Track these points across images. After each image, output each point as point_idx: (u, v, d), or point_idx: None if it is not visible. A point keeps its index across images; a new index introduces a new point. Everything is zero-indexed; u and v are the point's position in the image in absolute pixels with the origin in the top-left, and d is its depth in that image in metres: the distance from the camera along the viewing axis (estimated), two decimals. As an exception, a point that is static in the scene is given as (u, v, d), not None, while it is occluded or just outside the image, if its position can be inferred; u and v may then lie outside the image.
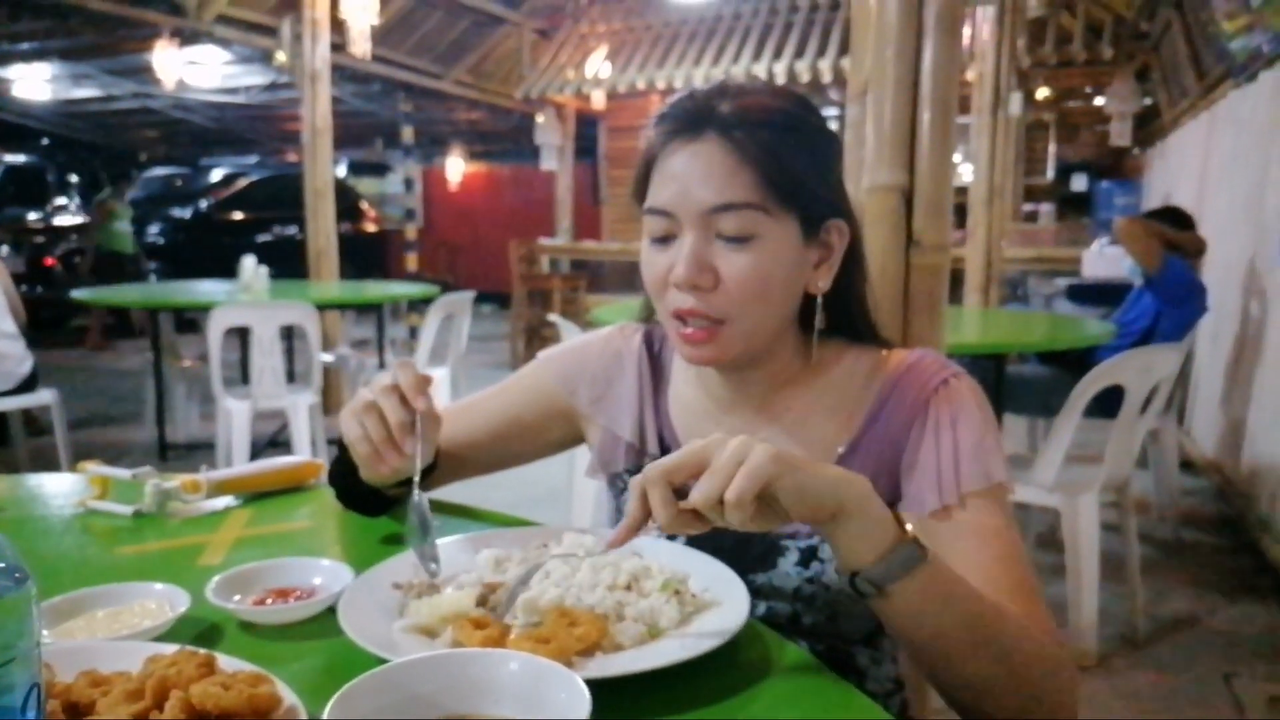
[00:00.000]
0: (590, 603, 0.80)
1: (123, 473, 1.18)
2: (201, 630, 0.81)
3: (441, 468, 1.16)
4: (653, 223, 0.92)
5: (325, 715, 0.57)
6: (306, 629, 0.81)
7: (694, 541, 0.98)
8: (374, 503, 1.08)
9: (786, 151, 0.89)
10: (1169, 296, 3.48)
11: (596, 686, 0.60)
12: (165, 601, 0.82)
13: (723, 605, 0.81)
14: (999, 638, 0.78)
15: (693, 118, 0.90)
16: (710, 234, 0.89)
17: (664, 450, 1.05)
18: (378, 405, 0.93)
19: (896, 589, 0.73)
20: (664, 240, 0.92)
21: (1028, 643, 0.80)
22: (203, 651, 0.66)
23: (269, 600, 0.84)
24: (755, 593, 0.94)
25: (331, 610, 0.79)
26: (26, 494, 1.22)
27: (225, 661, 0.67)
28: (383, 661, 0.66)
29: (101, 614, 0.81)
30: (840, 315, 0.99)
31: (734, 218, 0.88)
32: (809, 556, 0.95)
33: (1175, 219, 3.74)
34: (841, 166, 0.98)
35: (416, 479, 0.93)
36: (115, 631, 0.77)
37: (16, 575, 0.47)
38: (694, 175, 0.88)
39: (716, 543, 0.93)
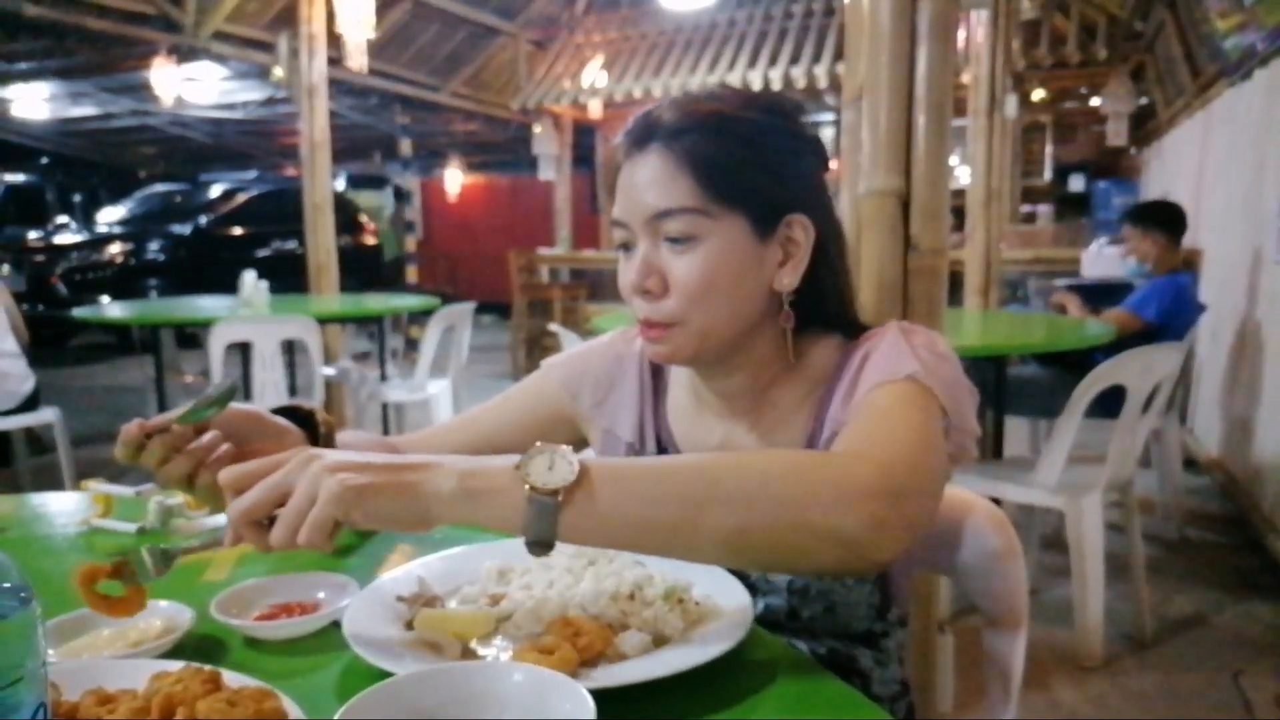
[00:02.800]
0: (594, 613, 0.80)
1: (126, 490, 1.18)
2: (206, 647, 0.81)
3: None
4: (615, 234, 0.97)
5: (331, 730, 0.57)
6: (312, 644, 0.81)
7: None
8: None
9: (724, 153, 0.91)
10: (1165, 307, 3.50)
11: (601, 696, 0.60)
12: (170, 619, 0.82)
13: (725, 613, 0.81)
14: (722, 490, 0.73)
15: (642, 132, 0.94)
16: (658, 241, 0.92)
17: (661, 453, 1.06)
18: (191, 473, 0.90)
19: (566, 531, 0.71)
20: (627, 250, 0.96)
21: (803, 475, 0.74)
22: (208, 668, 0.66)
23: (274, 615, 0.84)
24: (750, 589, 0.94)
25: (336, 625, 0.79)
26: (30, 513, 1.22)
27: (230, 678, 0.67)
28: (388, 675, 0.66)
29: (106, 632, 0.81)
30: (817, 311, 0.99)
31: (674, 223, 0.91)
32: None
33: (1168, 215, 3.74)
34: (809, 163, 0.96)
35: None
36: (120, 649, 0.78)
37: (21, 595, 0.48)
38: (639, 185, 0.93)
39: None
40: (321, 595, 0.87)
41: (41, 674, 0.49)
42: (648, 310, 0.93)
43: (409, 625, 0.81)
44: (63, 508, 1.23)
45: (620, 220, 0.95)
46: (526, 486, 0.71)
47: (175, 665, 0.68)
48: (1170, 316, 3.48)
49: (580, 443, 1.16)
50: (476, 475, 0.72)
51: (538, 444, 0.73)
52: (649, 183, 0.91)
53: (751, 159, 0.92)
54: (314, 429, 1.00)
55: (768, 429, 1.00)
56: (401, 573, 0.89)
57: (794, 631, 0.96)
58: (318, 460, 0.72)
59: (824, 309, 0.99)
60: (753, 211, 0.92)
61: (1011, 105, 5.92)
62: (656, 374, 1.10)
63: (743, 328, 0.95)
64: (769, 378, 1.00)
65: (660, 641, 0.78)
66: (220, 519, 1.15)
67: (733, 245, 0.91)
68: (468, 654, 0.77)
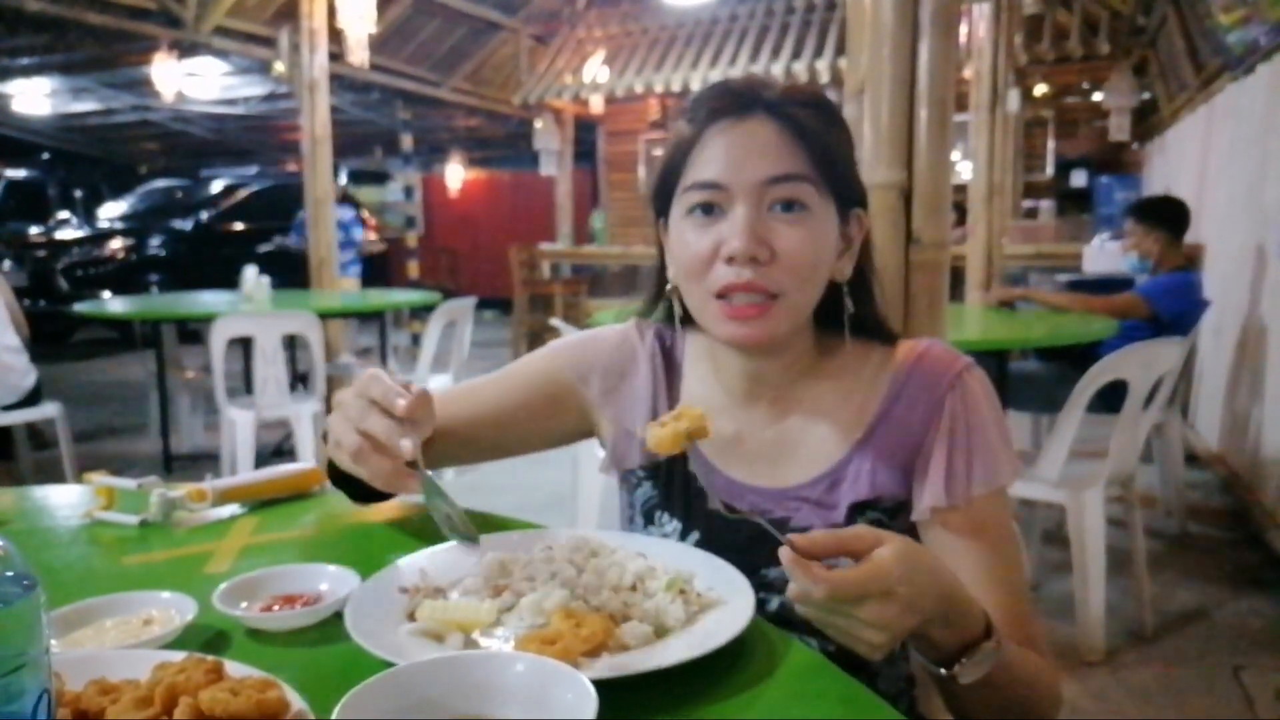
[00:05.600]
0: (596, 604, 0.80)
1: (128, 483, 1.18)
2: (209, 638, 0.81)
3: (441, 449, 1.11)
4: (697, 196, 0.92)
5: (334, 718, 0.57)
6: (313, 635, 0.81)
7: (705, 538, 0.99)
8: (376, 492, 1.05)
9: (831, 134, 0.93)
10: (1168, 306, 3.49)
11: (603, 687, 0.60)
12: (172, 610, 0.82)
13: (728, 604, 0.81)
14: (1030, 695, 0.86)
15: (739, 100, 0.92)
16: (763, 207, 0.90)
17: None
18: (368, 418, 0.88)
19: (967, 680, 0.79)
20: (709, 215, 0.92)
21: (1039, 684, 0.87)
22: (211, 658, 0.66)
23: (276, 607, 0.84)
24: (768, 587, 0.94)
25: (338, 615, 0.79)
26: (32, 506, 1.23)
27: (233, 668, 0.67)
28: (390, 665, 0.66)
29: (109, 623, 0.81)
30: (856, 306, 1.00)
31: (789, 189, 0.90)
32: None
33: (1172, 212, 3.73)
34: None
35: (422, 466, 0.88)
36: (123, 640, 0.77)
37: (25, 582, 0.48)
38: (748, 149, 0.90)
39: (729, 539, 0.93)
40: (323, 587, 0.87)
41: (45, 661, 0.49)
42: (751, 276, 0.89)
43: (411, 616, 0.81)
44: (65, 500, 1.23)
45: (716, 182, 0.91)
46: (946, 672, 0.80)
47: (178, 655, 0.68)
48: (1181, 313, 3.48)
49: (584, 430, 1.14)
50: (965, 628, 0.79)
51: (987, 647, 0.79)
52: (764, 147, 0.90)
53: (845, 147, 0.96)
54: None
55: (793, 426, 1.00)
56: (403, 564, 0.89)
57: (808, 630, 0.96)
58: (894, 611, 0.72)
59: (859, 305, 1.00)
60: (840, 195, 0.94)
61: (1013, 100, 5.92)
62: (670, 367, 1.09)
63: (811, 311, 0.97)
64: (799, 370, 1.01)
65: (662, 633, 0.78)
66: (223, 511, 1.15)
67: (829, 224, 0.93)
68: (470, 645, 0.77)
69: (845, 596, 0.70)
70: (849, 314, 0.98)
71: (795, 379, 1.01)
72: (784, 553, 0.71)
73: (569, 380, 1.11)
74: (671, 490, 1.05)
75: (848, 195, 0.96)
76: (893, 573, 0.70)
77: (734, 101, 0.92)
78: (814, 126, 0.91)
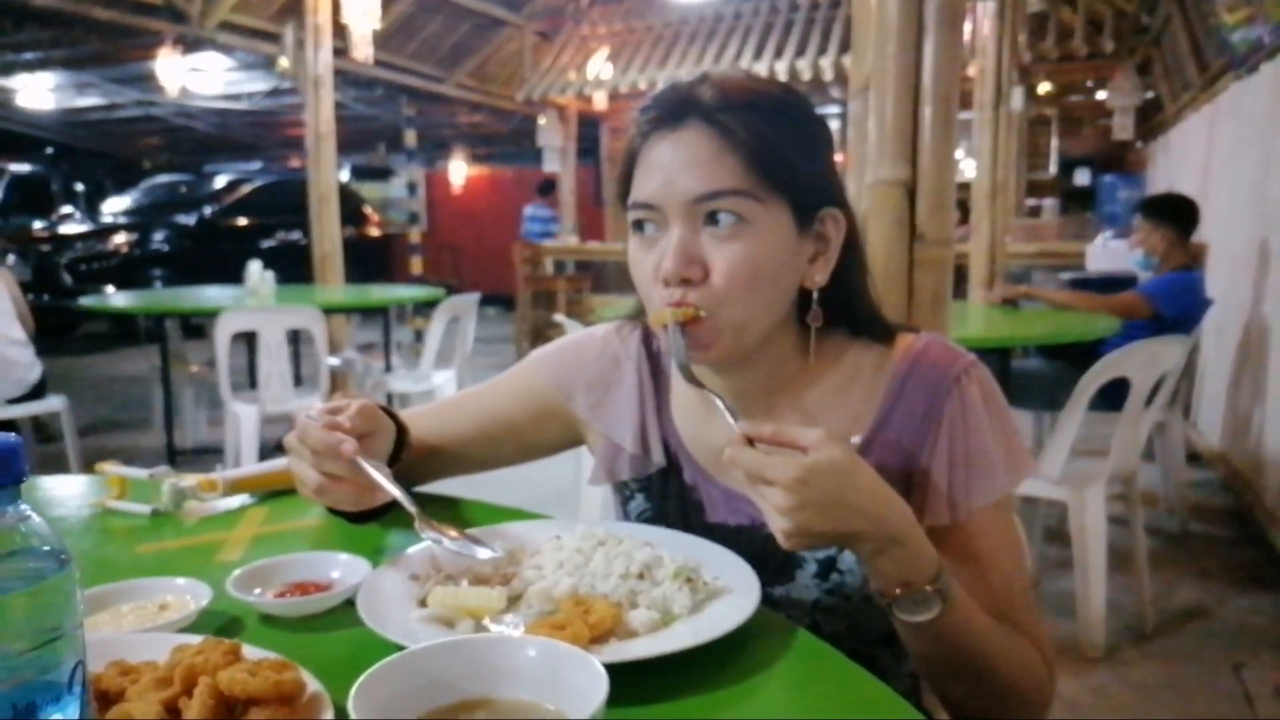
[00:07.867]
0: (604, 591, 0.81)
1: (140, 472, 1.19)
2: (224, 623, 0.82)
3: (429, 465, 1.13)
4: (634, 216, 0.90)
5: (350, 699, 0.58)
6: (326, 620, 0.82)
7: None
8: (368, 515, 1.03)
9: (774, 134, 0.86)
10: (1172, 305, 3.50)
11: (610, 672, 0.61)
12: (187, 595, 0.84)
13: (734, 592, 0.82)
14: (1006, 671, 0.87)
15: (674, 107, 0.87)
16: (697, 224, 0.86)
17: (670, 458, 1.02)
18: (324, 464, 0.91)
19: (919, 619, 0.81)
20: (649, 236, 0.89)
21: (1018, 665, 0.88)
22: (228, 640, 0.67)
23: (288, 593, 0.85)
24: (773, 606, 0.93)
25: (350, 603, 0.81)
26: (44, 495, 1.24)
27: (249, 651, 0.68)
28: (402, 649, 0.67)
29: (125, 608, 0.82)
30: (841, 309, 0.96)
31: (719, 205, 0.85)
32: (827, 568, 0.94)
33: (1180, 209, 3.73)
34: (832, 154, 0.94)
35: (413, 510, 0.91)
36: (140, 624, 0.79)
37: (61, 558, 0.49)
38: (677, 164, 0.86)
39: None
40: (335, 574, 0.89)
41: (79, 635, 0.50)
42: (682, 295, 0.86)
43: (422, 603, 0.82)
44: (77, 490, 1.24)
45: (649, 202, 0.87)
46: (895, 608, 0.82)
47: (196, 638, 0.69)
48: (1184, 313, 3.48)
49: (574, 441, 1.13)
50: (905, 567, 0.80)
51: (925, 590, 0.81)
52: (692, 162, 0.85)
53: (798, 145, 0.88)
54: (400, 426, 1.03)
55: None
56: (414, 552, 0.90)
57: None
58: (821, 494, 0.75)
59: (850, 308, 0.96)
60: (795, 201, 0.88)
61: (1017, 98, 5.93)
62: (657, 373, 1.06)
63: (773, 324, 0.92)
64: (785, 377, 0.97)
65: (669, 620, 0.79)
66: (233, 501, 1.17)
67: (777, 234, 0.87)
68: (480, 631, 0.78)
69: (748, 469, 0.76)
70: (817, 324, 0.93)
71: (782, 388, 0.97)
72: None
73: (553, 396, 1.08)
74: (667, 503, 1.03)
75: (809, 197, 0.89)
76: (795, 474, 0.74)
77: (670, 110, 0.87)
78: (751, 132, 0.84)
